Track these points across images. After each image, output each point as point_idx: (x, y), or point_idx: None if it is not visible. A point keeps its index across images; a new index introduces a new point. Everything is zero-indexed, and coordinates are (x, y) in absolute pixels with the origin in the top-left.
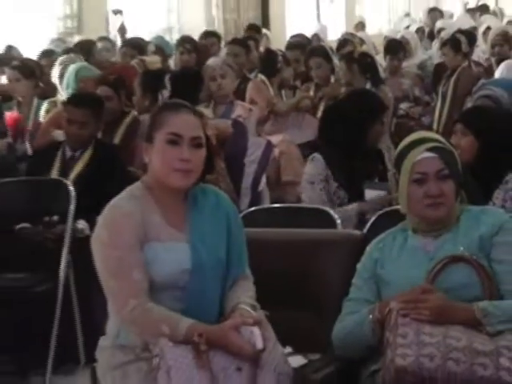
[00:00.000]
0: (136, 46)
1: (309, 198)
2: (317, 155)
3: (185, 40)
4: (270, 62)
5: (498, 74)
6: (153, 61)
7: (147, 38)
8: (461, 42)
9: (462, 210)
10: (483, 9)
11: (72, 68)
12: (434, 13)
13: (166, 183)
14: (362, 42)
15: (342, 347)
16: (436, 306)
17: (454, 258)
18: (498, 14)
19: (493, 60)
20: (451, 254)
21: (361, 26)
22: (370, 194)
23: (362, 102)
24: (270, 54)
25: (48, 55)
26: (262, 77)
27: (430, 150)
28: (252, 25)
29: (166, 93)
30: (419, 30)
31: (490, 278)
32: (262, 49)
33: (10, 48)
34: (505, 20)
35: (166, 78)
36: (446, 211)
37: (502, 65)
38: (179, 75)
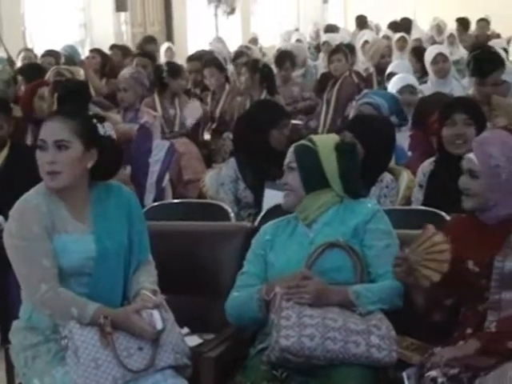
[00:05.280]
0: (36, 69)
1: (218, 197)
2: (232, 159)
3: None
4: (157, 78)
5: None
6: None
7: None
8: (347, 52)
9: (336, 202)
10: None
11: None
12: (330, 27)
13: None
14: (263, 54)
15: (234, 317)
16: (315, 290)
17: (330, 244)
18: (374, 28)
19: (372, 69)
20: (328, 241)
21: (254, 40)
22: (269, 193)
23: (263, 111)
24: (156, 71)
25: None
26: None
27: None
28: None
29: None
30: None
31: (362, 262)
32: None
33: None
34: (380, 34)
35: (55, 97)
36: (292, 200)
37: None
38: (64, 95)
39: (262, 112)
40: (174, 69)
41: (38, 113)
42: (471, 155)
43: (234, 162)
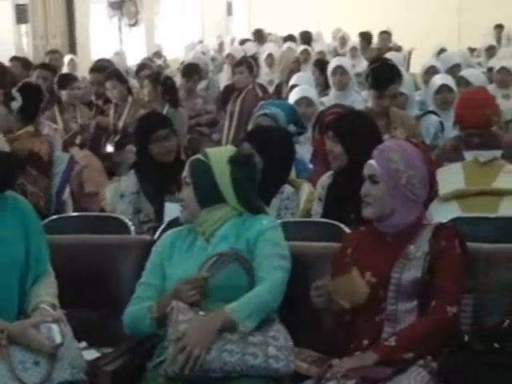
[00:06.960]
0: None
1: (118, 209)
2: (132, 172)
3: None
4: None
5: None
6: None
7: None
8: (252, 64)
9: (233, 216)
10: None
11: None
12: (244, 41)
13: None
14: (167, 66)
15: (130, 329)
16: (193, 336)
17: (222, 254)
18: (280, 41)
19: (277, 81)
20: (221, 251)
21: (158, 54)
22: (170, 207)
23: (138, 127)
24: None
25: None
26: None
27: None
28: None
29: (16, 104)
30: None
31: (252, 271)
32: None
33: None
34: (284, 46)
35: (14, 90)
36: (188, 216)
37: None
38: (29, 87)
39: (137, 128)
40: (61, 80)
41: None
42: (372, 161)
43: (134, 175)
